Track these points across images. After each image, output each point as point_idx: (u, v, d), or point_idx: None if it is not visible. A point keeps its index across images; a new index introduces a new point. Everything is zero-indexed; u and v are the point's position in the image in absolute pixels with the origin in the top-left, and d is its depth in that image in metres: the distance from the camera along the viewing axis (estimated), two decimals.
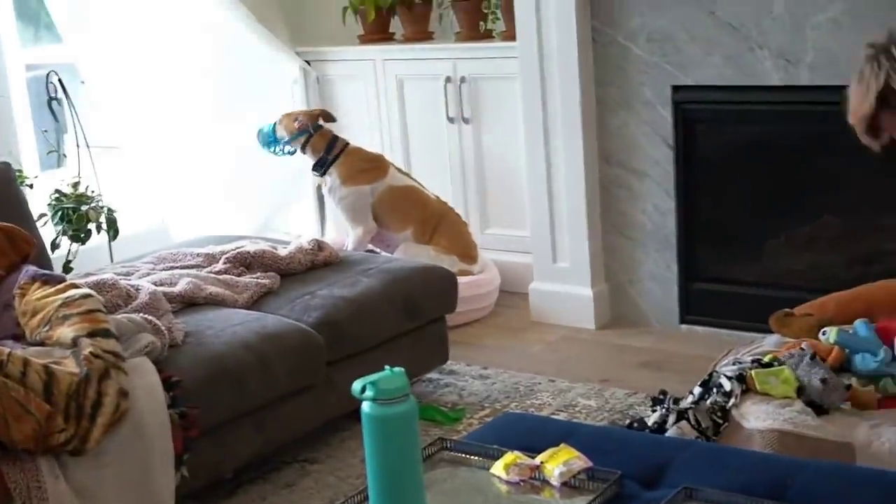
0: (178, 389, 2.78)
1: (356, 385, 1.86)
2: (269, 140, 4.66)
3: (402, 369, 1.87)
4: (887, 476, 2.01)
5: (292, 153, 4.68)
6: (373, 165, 4.61)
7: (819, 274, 3.84)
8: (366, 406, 1.86)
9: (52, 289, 2.85)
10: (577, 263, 4.32)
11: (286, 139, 4.62)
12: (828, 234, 3.97)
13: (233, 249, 3.63)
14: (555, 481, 2.03)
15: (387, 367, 1.88)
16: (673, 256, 4.15)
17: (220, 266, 3.55)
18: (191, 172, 4.93)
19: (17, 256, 3.06)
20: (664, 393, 3.13)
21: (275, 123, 4.65)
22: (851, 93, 2.43)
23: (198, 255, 3.64)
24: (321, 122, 4.64)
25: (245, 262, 3.58)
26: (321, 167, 4.61)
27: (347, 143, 4.65)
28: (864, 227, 3.86)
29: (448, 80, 4.76)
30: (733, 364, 3.08)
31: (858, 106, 2.40)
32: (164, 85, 4.79)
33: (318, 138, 4.61)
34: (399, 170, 4.69)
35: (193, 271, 3.49)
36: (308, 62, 5.18)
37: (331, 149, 4.60)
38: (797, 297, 3.56)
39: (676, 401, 3.02)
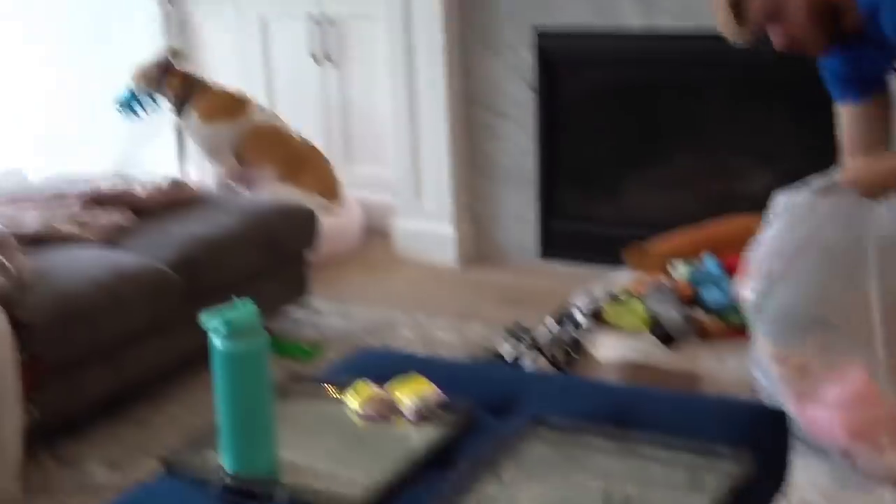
0: (27, 331, 2.70)
1: (205, 319, 1.82)
2: (131, 102, 4.49)
3: (252, 302, 1.83)
4: (726, 401, 2.06)
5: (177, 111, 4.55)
6: (233, 103, 4.51)
7: (672, 212, 3.90)
8: (215, 341, 1.82)
9: None
10: (441, 202, 4.32)
11: (152, 91, 4.47)
12: (681, 174, 4.05)
13: (86, 187, 3.52)
14: (408, 413, 2.02)
15: (235, 299, 1.84)
16: (533, 195, 4.18)
17: (72, 204, 3.43)
18: (45, 112, 4.75)
19: None
20: (519, 326, 3.17)
21: (130, 88, 4.49)
22: (717, 3, 2.38)
23: (49, 193, 3.52)
24: (170, 59, 4.51)
25: (100, 201, 3.48)
26: (180, 106, 4.49)
27: (204, 80, 4.54)
28: (715, 168, 3.95)
29: (313, 19, 4.67)
30: (587, 298, 3.13)
31: (730, 7, 2.36)
32: (16, 23, 4.60)
33: (171, 78, 4.48)
34: (260, 107, 4.60)
35: (44, 209, 3.37)
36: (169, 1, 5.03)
37: (187, 87, 4.48)
38: (652, 234, 3.64)
39: (531, 333, 3.06)
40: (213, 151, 4.48)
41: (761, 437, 1.89)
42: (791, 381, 2.50)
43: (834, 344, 2.45)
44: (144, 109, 4.53)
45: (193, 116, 4.46)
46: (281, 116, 4.61)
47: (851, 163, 2.56)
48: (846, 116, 2.59)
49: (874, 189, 2.44)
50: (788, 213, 2.54)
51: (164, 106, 4.56)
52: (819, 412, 2.49)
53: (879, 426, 2.44)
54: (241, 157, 4.49)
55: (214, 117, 4.45)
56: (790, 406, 2.52)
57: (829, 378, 2.45)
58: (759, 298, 2.53)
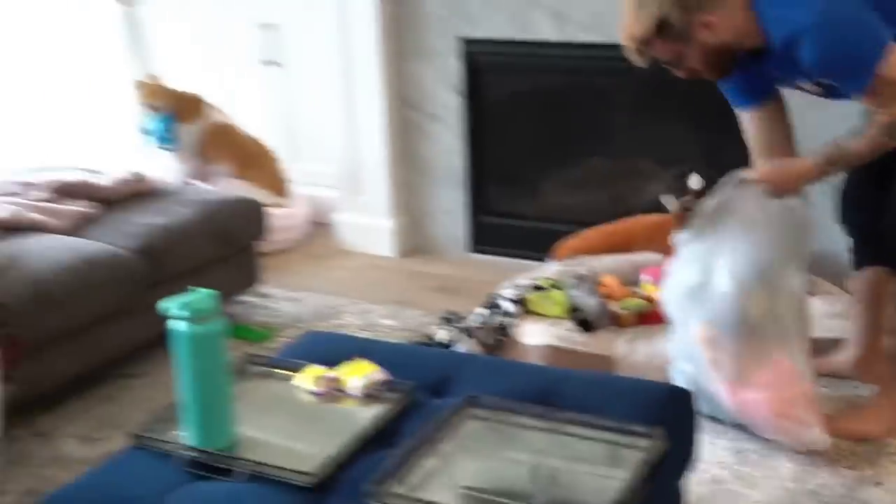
0: (1, 312, 2.66)
1: (164, 305, 1.83)
2: (157, 127, 4.40)
3: (209, 290, 1.83)
4: (639, 383, 2.10)
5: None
6: (194, 105, 4.45)
7: (588, 209, 3.93)
8: (176, 325, 1.82)
9: None
10: (378, 197, 4.30)
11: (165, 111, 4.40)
12: (595, 175, 4.07)
13: (53, 178, 3.45)
14: (356, 392, 2.03)
15: (191, 288, 1.83)
16: (462, 192, 4.19)
17: (41, 194, 3.36)
18: (11, 105, 4.64)
19: None
20: (453, 313, 3.19)
21: (163, 118, 4.39)
22: (627, 12, 2.34)
23: (17, 182, 3.44)
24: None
25: (67, 191, 3.40)
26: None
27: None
28: (625, 170, 3.98)
29: (261, 25, 4.62)
30: (513, 288, 3.16)
31: (632, 28, 2.33)
32: None
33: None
34: (217, 109, 4.54)
35: (14, 198, 3.30)
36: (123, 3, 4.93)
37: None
38: (569, 229, 3.68)
39: (463, 320, 3.08)
40: (180, 150, 4.42)
41: (672, 417, 1.93)
42: (721, 366, 2.51)
43: (760, 329, 2.47)
44: (167, 131, 4.42)
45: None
46: (232, 117, 4.57)
47: (761, 164, 2.56)
48: (748, 122, 2.60)
49: (782, 189, 2.47)
50: (716, 205, 2.52)
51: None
52: (749, 394, 2.51)
53: (799, 404, 2.49)
54: (199, 155, 4.44)
55: (184, 120, 4.40)
56: (719, 388, 2.54)
57: (759, 363, 2.48)
58: (695, 287, 2.53)
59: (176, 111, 4.41)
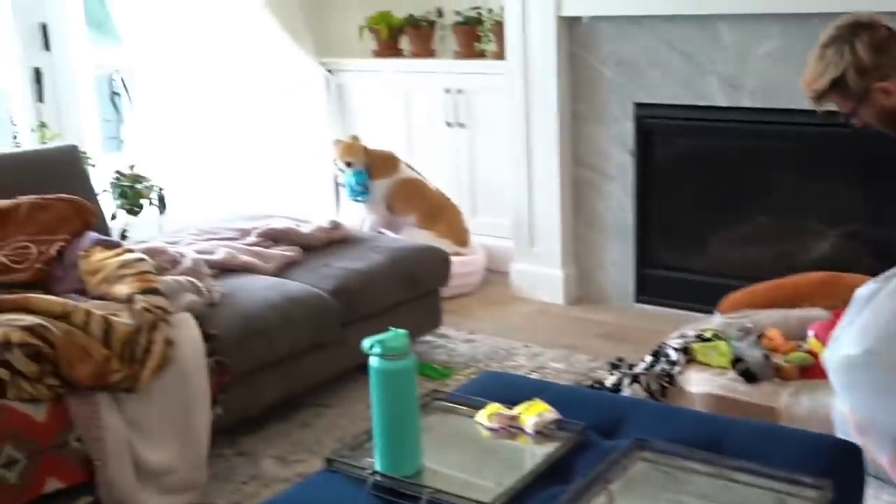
0: (215, 341, 2.78)
1: (365, 342, 1.86)
2: (358, 182, 4.59)
3: (405, 331, 1.87)
4: (807, 434, 2.01)
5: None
6: (389, 162, 4.61)
7: (753, 265, 3.83)
8: (373, 361, 1.85)
9: (112, 252, 2.85)
10: (551, 248, 4.31)
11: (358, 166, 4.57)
12: (760, 231, 3.96)
13: (263, 225, 3.62)
14: (529, 429, 2.03)
15: (391, 327, 1.87)
16: (630, 246, 4.14)
17: (251, 239, 3.53)
18: (226, 158, 4.90)
19: (80, 224, 3.05)
20: (620, 359, 3.14)
21: (358, 173, 4.56)
22: (810, 63, 2.31)
23: (233, 229, 3.63)
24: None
25: (273, 237, 3.56)
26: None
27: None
28: (791, 227, 3.86)
29: (447, 90, 4.74)
30: (679, 338, 3.09)
31: (813, 79, 2.30)
32: (207, 83, 4.76)
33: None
34: (407, 165, 4.68)
35: (229, 242, 3.48)
36: (330, 71, 5.15)
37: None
38: (733, 284, 3.58)
39: (631, 366, 3.04)
40: (373, 202, 4.57)
41: (840, 469, 1.84)
42: (871, 450, 2.36)
43: None
44: (361, 185, 4.59)
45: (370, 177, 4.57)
46: (421, 173, 4.69)
47: None
48: None
49: None
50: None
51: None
52: None
53: None
54: (390, 206, 4.57)
55: (377, 175, 4.55)
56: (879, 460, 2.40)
57: None
58: (851, 361, 2.37)
59: (369, 167, 4.56)
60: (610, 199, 4.16)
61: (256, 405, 3.04)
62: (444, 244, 4.25)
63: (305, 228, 3.64)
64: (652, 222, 4.10)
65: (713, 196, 3.98)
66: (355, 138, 4.64)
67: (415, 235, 4.41)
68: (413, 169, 4.67)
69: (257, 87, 4.97)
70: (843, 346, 2.41)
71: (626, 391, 2.89)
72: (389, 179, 4.56)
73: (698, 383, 2.87)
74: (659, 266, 4.13)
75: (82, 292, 2.80)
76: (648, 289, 4.15)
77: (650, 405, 2.47)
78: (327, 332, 3.19)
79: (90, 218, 3.09)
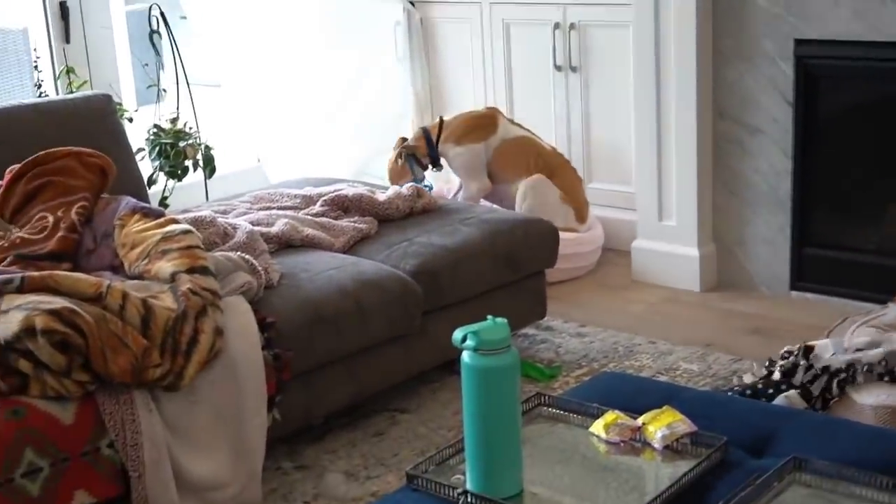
0: (273, 331, 2.83)
1: (457, 334, 1.87)
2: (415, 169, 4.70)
3: (505, 319, 1.87)
4: None
5: (433, 167, 4.72)
6: (483, 122, 4.62)
7: None
8: (466, 356, 1.86)
9: (153, 222, 2.91)
10: (684, 222, 4.28)
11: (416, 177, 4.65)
12: None
13: (331, 192, 3.66)
14: (657, 444, 2.02)
15: (489, 316, 1.88)
16: (786, 219, 4.08)
17: (317, 208, 3.59)
18: (290, 113, 4.97)
19: (94, 176, 3.12)
20: (774, 361, 3.09)
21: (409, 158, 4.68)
22: None
23: (295, 196, 3.68)
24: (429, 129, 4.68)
25: (342, 206, 3.60)
26: (434, 159, 4.66)
27: (441, 117, 4.69)
28: None
29: (557, 25, 4.72)
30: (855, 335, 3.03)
31: None
32: (266, 22, 4.83)
33: (415, 144, 4.66)
34: (511, 121, 4.69)
35: (290, 212, 3.53)
36: (412, 2, 5.18)
37: (429, 138, 4.63)
38: None
39: (790, 369, 2.98)
40: (466, 170, 4.60)
41: None
42: None
43: None
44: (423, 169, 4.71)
45: (448, 144, 4.61)
46: (522, 123, 4.68)
47: None
48: None
49: None
50: None
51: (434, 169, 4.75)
52: None
53: None
54: (494, 175, 4.59)
55: (468, 138, 4.58)
56: None
57: None
58: None
59: (457, 133, 4.58)
60: (760, 160, 4.11)
61: (321, 409, 3.08)
62: (564, 212, 4.26)
63: (382, 196, 3.67)
64: (815, 189, 4.04)
65: (893, 157, 3.89)
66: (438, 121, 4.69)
67: (537, 191, 4.42)
68: (517, 124, 4.68)
69: (326, 26, 5.02)
70: None
71: (780, 399, 2.86)
72: (488, 143, 4.58)
73: (871, 393, 2.82)
74: (823, 245, 4.07)
75: (117, 269, 2.87)
76: (808, 273, 4.09)
77: (808, 417, 2.43)
78: (407, 321, 3.21)
79: (101, 164, 3.15)
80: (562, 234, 3.82)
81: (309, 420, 3.08)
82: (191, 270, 2.72)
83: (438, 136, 4.62)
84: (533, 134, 4.62)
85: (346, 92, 5.01)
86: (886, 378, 2.82)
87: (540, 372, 3.50)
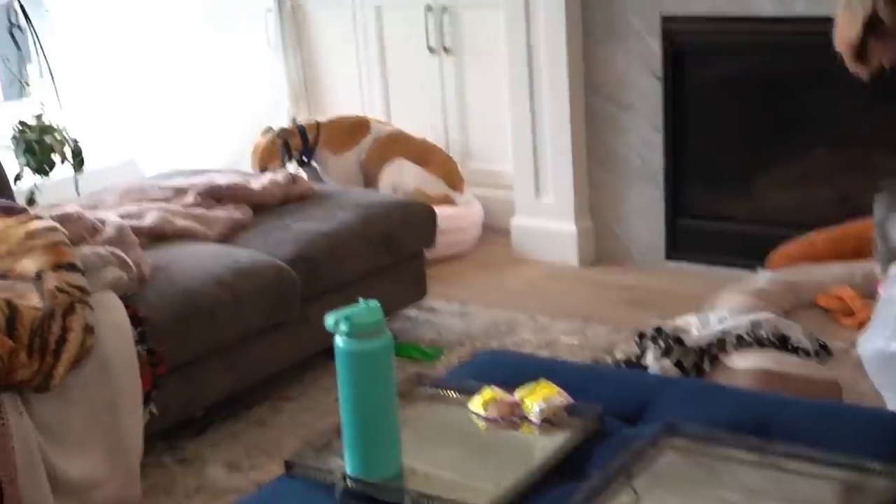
0: (146, 325, 2.77)
1: (329, 319, 1.84)
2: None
3: (377, 302, 1.86)
4: (874, 413, 2.02)
5: (301, 166, 4.68)
6: (355, 128, 4.68)
7: (809, 210, 3.84)
8: (339, 340, 1.84)
9: (13, 220, 2.82)
10: (561, 199, 4.31)
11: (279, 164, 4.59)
12: (818, 169, 3.97)
13: (203, 182, 3.60)
14: (534, 418, 2.03)
15: (361, 299, 1.86)
16: (659, 192, 4.15)
17: (189, 199, 3.52)
18: (161, 104, 4.89)
19: None
20: (659, 330, 3.12)
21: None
22: (838, 19, 2.39)
23: (166, 187, 3.61)
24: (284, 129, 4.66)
25: (216, 195, 3.55)
26: (307, 157, 4.64)
27: (317, 122, 4.68)
28: (856, 163, 3.86)
29: (429, 8, 4.71)
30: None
31: (845, 32, 2.36)
32: (133, 12, 4.73)
33: (293, 140, 4.63)
34: (379, 121, 4.75)
35: (162, 204, 3.47)
36: None
37: (305, 136, 4.62)
38: (786, 233, 3.58)
39: (672, 338, 3.01)
40: (344, 179, 4.63)
41: None
42: None
43: None
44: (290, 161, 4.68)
45: (325, 156, 4.65)
46: (397, 109, 4.70)
47: None
48: None
49: None
50: None
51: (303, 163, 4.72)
52: None
53: None
54: (370, 175, 4.63)
55: (342, 147, 4.63)
56: None
57: None
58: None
59: (330, 140, 4.60)
60: (632, 136, 4.16)
61: (200, 401, 3.04)
62: (434, 183, 4.27)
63: (256, 184, 3.63)
64: (685, 162, 4.10)
65: (760, 128, 3.98)
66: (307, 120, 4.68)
67: (403, 172, 4.44)
68: (387, 123, 4.75)
69: (194, 16, 4.93)
70: (876, 335, 2.40)
71: (654, 368, 2.90)
72: (360, 147, 4.64)
73: (743, 357, 2.88)
74: (695, 215, 4.14)
75: None
76: (682, 243, 4.16)
77: (682, 383, 2.47)
78: (285, 309, 3.19)
79: None
80: (441, 210, 3.83)
81: (189, 413, 3.04)
82: (56, 267, 2.64)
83: (317, 138, 4.62)
84: (401, 130, 4.70)
85: (218, 82, 4.93)
86: (755, 345, 2.89)
87: (422, 353, 3.50)
